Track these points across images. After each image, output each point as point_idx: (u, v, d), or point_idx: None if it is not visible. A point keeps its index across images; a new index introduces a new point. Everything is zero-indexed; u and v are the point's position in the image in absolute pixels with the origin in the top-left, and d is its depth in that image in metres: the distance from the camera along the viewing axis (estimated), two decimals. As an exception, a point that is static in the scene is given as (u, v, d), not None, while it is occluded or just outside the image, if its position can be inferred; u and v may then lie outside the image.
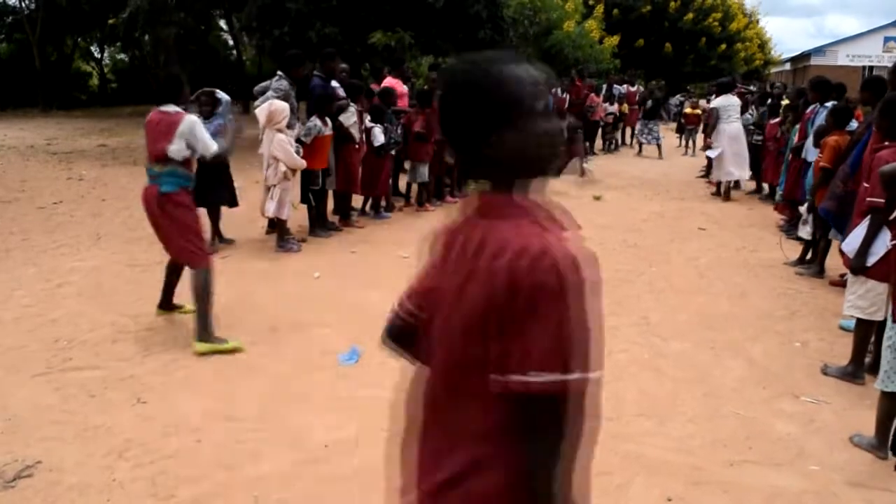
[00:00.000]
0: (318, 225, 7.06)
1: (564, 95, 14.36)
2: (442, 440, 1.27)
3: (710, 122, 10.60)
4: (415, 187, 8.81)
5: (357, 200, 7.92)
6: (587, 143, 15.89)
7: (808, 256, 6.30)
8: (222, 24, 25.37)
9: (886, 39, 38.82)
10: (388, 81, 8.61)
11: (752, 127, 10.27)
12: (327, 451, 3.05)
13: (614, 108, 15.87)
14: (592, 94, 15.09)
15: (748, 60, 31.66)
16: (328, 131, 6.71)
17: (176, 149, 4.04)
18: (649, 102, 14.96)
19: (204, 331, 4.07)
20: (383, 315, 1.54)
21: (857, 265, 3.71)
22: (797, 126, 7.50)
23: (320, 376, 3.80)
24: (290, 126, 6.28)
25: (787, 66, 46.69)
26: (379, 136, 7.47)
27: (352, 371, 3.88)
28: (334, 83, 7.33)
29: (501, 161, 1.24)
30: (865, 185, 3.81)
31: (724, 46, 28.68)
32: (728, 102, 10.19)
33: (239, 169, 11.13)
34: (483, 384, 1.16)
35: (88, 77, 32.02)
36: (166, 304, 4.61)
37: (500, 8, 13.91)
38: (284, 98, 6.28)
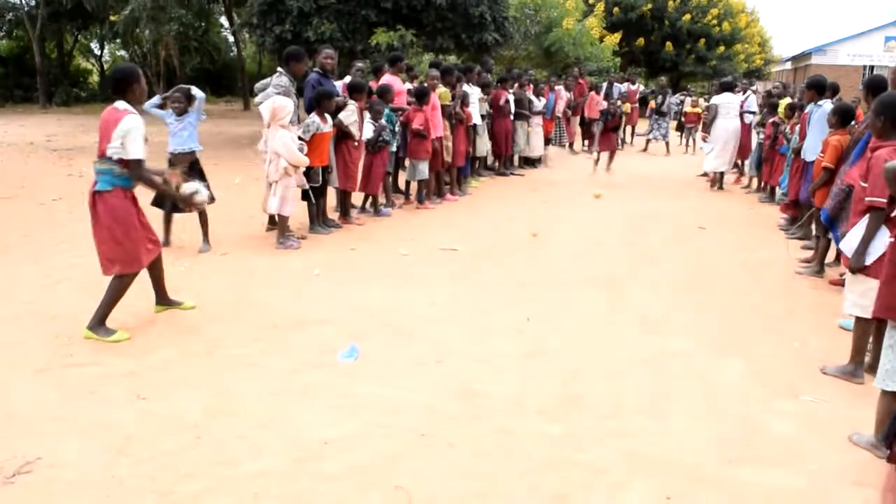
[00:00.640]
0: (319, 222, 7.07)
1: (569, 94, 14.37)
2: None
3: (709, 117, 11.02)
4: (414, 185, 8.81)
5: (357, 198, 7.92)
6: (586, 140, 15.92)
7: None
8: (223, 20, 25.35)
9: (887, 39, 38.79)
10: (387, 79, 8.61)
11: (758, 128, 10.33)
12: (327, 447, 3.05)
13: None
14: (593, 93, 15.10)
15: (748, 59, 31.68)
16: (328, 128, 6.71)
17: (113, 147, 4.01)
18: (659, 98, 14.97)
19: (97, 322, 4.16)
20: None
21: (856, 264, 3.71)
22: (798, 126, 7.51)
23: (320, 373, 3.80)
24: (291, 122, 6.28)
25: (788, 66, 46.70)
26: (367, 131, 7.45)
27: (351, 368, 3.88)
28: (338, 83, 7.33)
29: None
30: (863, 184, 3.81)
31: (722, 48, 28.65)
32: (727, 100, 10.59)
33: (239, 166, 11.18)
34: None
35: (88, 74, 32.04)
36: (162, 299, 4.64)
37: (502, 7, 13.92)
38: (285, 94, 6.28)
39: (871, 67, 37.16)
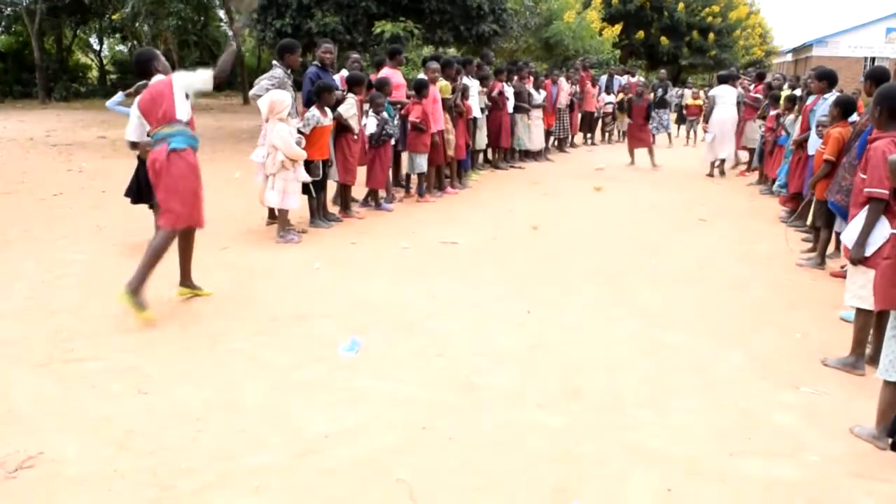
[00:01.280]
0: (319, 216, 7.06)
1: (574, 86, 14.32)
2: None
3: (707, 108, 11.57)
4: (414, 178, 8.80)
5: (358, 192, 7.91)
6: (588, 134, 15.88)
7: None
8: (221, 15, 25.26)
9: (889, 30, 38.66)
10: (385, 72, 8.57)
11: (760, 120, 10.34)
12: (327, 441, 3.06)
13: (613, 98, 15.83)
14: (589, 84, 15.04)
15: (747, 49, 31.60)
16: (327, 122, 6.69)
17: (183, 109, 4.41)
18: (660, 91, 14.91)
19: (137, 284, 4.25)
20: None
21: (857, 255, 3.70)
22: (799, 117, 7.48)
23: (321, 367, 3.80)
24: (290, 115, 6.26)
25: (789, 57, 46.55)
26: (370, 125, 7.43)
27: (352, 362, 3.89)
28: (336, 76, 7.30)
29: None
30: (863, 175, 3.80)
31: (713, 37, 28.51)
32: (725, 91, 11.00)
33: (239, 160, 11.15)
34: None
35: (88, 69, 31.97)
36: (186, 280, 4.81)
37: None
38: (280, 86, 6.26)
39: (873, 59, 37.05)
